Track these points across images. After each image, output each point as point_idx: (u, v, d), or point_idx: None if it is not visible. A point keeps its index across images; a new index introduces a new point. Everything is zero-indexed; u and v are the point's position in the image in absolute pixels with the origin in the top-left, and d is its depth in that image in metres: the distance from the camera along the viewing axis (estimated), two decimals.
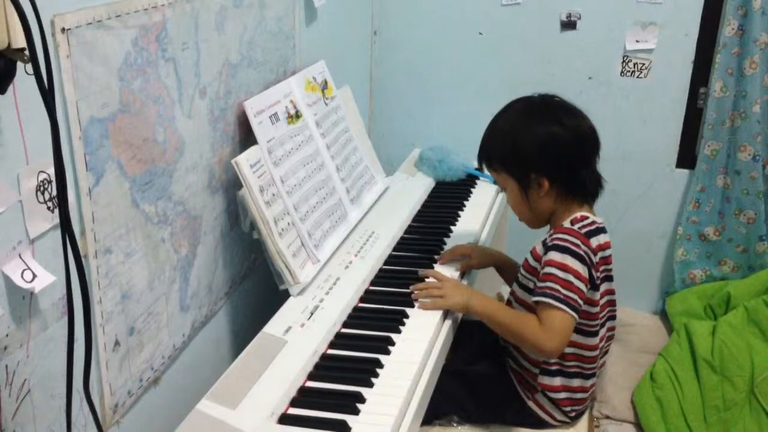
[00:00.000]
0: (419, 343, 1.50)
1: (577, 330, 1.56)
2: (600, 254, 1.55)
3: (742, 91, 2.42)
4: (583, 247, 1.50)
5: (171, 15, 1.39)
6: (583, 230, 1.54)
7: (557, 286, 1.48)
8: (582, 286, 1.49)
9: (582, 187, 1.59)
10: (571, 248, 1.50)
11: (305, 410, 1.31)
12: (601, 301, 1.59)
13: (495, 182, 1.74)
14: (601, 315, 1.60)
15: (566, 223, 1.56)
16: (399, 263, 1.84)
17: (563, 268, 1.48)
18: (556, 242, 1.52)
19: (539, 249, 1.59)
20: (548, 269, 1.50)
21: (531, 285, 1.59)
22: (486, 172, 1.73)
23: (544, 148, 1.54)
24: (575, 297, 1.47)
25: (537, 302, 1.51)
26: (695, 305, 2.56)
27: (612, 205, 2.59)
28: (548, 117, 1.57)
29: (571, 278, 1.48)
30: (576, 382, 1.64)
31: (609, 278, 1.61)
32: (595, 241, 1.54)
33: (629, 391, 2.39)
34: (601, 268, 1.57)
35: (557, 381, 1.62)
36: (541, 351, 1.53)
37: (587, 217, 1.57)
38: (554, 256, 1.50)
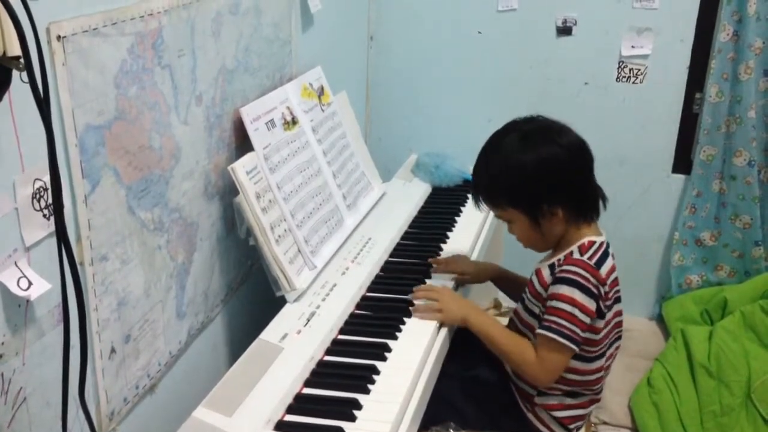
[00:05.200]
0: (416, 350, 1.50)
1: (578, 357, 1.54)
2: (610, 279, 1.53)
3: (738, 96, 2.43)
4: (592, 280, 1.48)
5: (167, 22, 1.39)
6: (593, 259, 1.51)
7: (563, 321, 1.47)
8: (586, 319, 1.48)
9: (591, 203, 1.58)
10: (580, 282, 1.48)
11: (302, 417, 1.31)
12: (608, 327, 1.56)
13: (497, 216, 1.66)
14: (606, 339, 1.58)
15: (576, 253, 1.53)
16: (396, 269, 1.84)
17: (571, 302, 1.47)
18: (566, 275, 1.49)
19: (546, 274, 1.56)
20: (556, 303, 1.49)
21: (536, 310, 1.58)
22: (482, 207, 1.65)
23: (550, 174, 1.51)
24: (577, 330, 1.48)
25: (539, 334, 1.51)
26: (692, 310, 2.56)
27: (608, 210, 2.55)
28: (544, 141, 1.53)
29: (576, 312, 1.47)
30: (577, 402, 1.63)
31: (618, 300, 1.59)
32: (605, 269, 1.52)
33: (626, 396, 2.40)
34: (612, 292, 1.55)
35: (555, 401, 1.61)
36: (533, 381, 1.57)
37: (594, 242, 1.55)
38: (563, 290, 1.48)
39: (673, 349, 2.42)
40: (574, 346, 1.48)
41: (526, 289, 1.63)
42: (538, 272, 1.59)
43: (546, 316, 1.50)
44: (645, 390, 2.34)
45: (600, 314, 1.52)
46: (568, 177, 1.53)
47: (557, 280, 1.51)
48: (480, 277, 1.86)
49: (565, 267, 1.51)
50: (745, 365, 2.20)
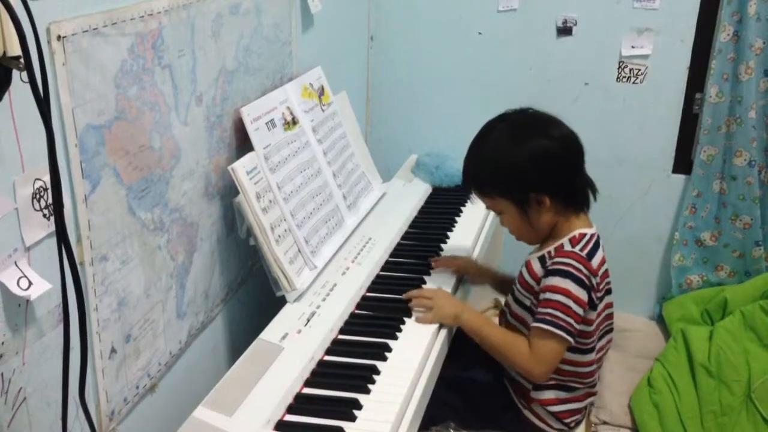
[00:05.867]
0: (416, 350, 1.50)
1: (572, 349, 1.55)
2: (601, 271, 1.54)
3: (738, 96, 2.42)
4: (584, 271, 1.49)
5: (167, 22, 1.39)
6: (584, 251, 1.52)
7: (558, 313, 1.47)
8: (580, 311, 1.49)
9: (579, 195, 1.58)
10: (573, 273, 1.48)
11: (302, 417, 1.31)
12: (599, 318, 1.57)
13: (487, 207, 1.68)
14: (597, 331, 1.58)
15: (567, 245, 1.54)
16: (396, 269, 1.84)
17: (565, 293, 1.48)
18: (558, 267, 1.50)
19: (536, 267, 1.57)
20: (549, 295, 1.49)
21: (527, 302, 1.58)
22: (473, 197, 1.68)
23: (539, 164, 1.52)
24: (572, 321, 1.48)
25: (534, 327, 1.51)
26: (692, 311, 2.56)
27: (608, 210, 2.59)
28: (534, 132, 1.54)
29: (570, 303, 1.47)
30: (572, 395, 1.63)
31: (609, 291, 1.60)
32: (595, 261, 1.53)
33: (626, 396, 2.40)
34: (602, 284, 1.55)
35: (551, 394, 1.62)
36: (529, 375, 1.56)
37: (585, 234, 1.55)
38: (556, 281, 1.49)
39: (673, 349, 2.42)
40: (569, 338, 1.48)
41: (517, 281, 1.64)
42: (528, 264, 1.60)
43: (540, 309, 1.50)
44: (645, 390, 2.34)
45: (592, 305, 1.52)
46: (556, 168, 1.54)
47: (550, 273, 1.51)
48: (481, 279, 1.87)
49: (557, 259, 1.52)
50: (746, 365, 2.20)
